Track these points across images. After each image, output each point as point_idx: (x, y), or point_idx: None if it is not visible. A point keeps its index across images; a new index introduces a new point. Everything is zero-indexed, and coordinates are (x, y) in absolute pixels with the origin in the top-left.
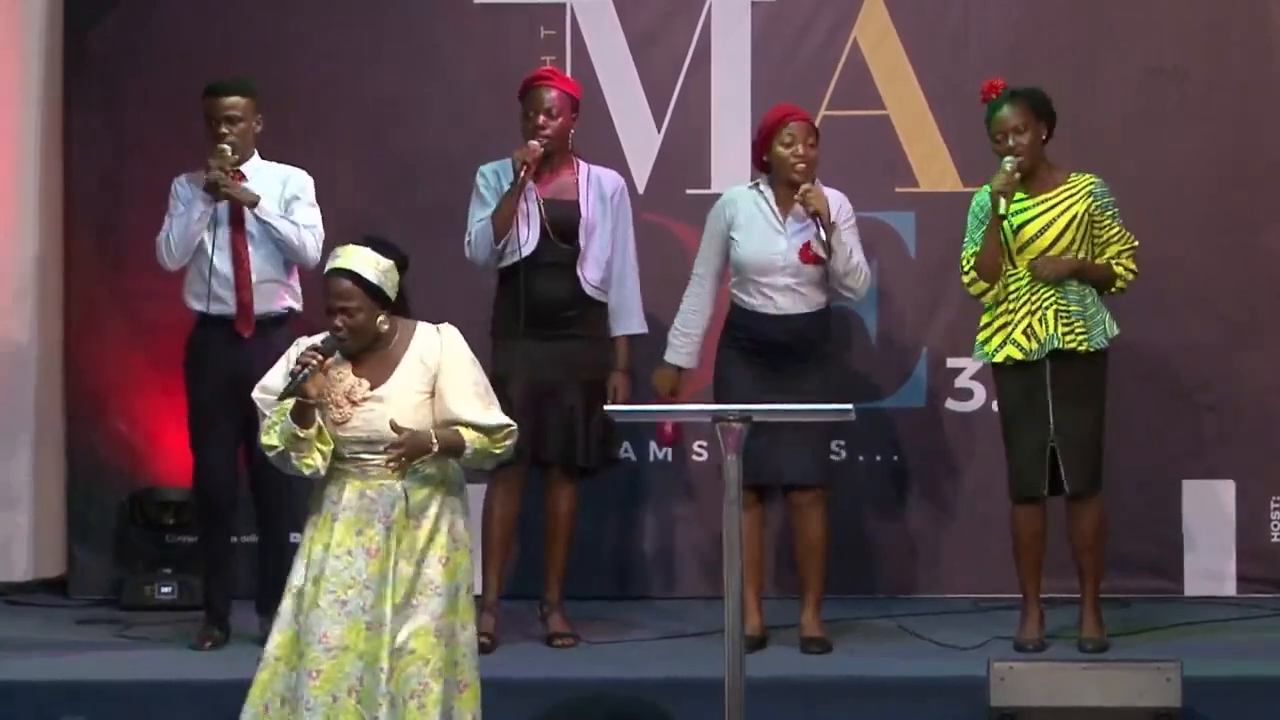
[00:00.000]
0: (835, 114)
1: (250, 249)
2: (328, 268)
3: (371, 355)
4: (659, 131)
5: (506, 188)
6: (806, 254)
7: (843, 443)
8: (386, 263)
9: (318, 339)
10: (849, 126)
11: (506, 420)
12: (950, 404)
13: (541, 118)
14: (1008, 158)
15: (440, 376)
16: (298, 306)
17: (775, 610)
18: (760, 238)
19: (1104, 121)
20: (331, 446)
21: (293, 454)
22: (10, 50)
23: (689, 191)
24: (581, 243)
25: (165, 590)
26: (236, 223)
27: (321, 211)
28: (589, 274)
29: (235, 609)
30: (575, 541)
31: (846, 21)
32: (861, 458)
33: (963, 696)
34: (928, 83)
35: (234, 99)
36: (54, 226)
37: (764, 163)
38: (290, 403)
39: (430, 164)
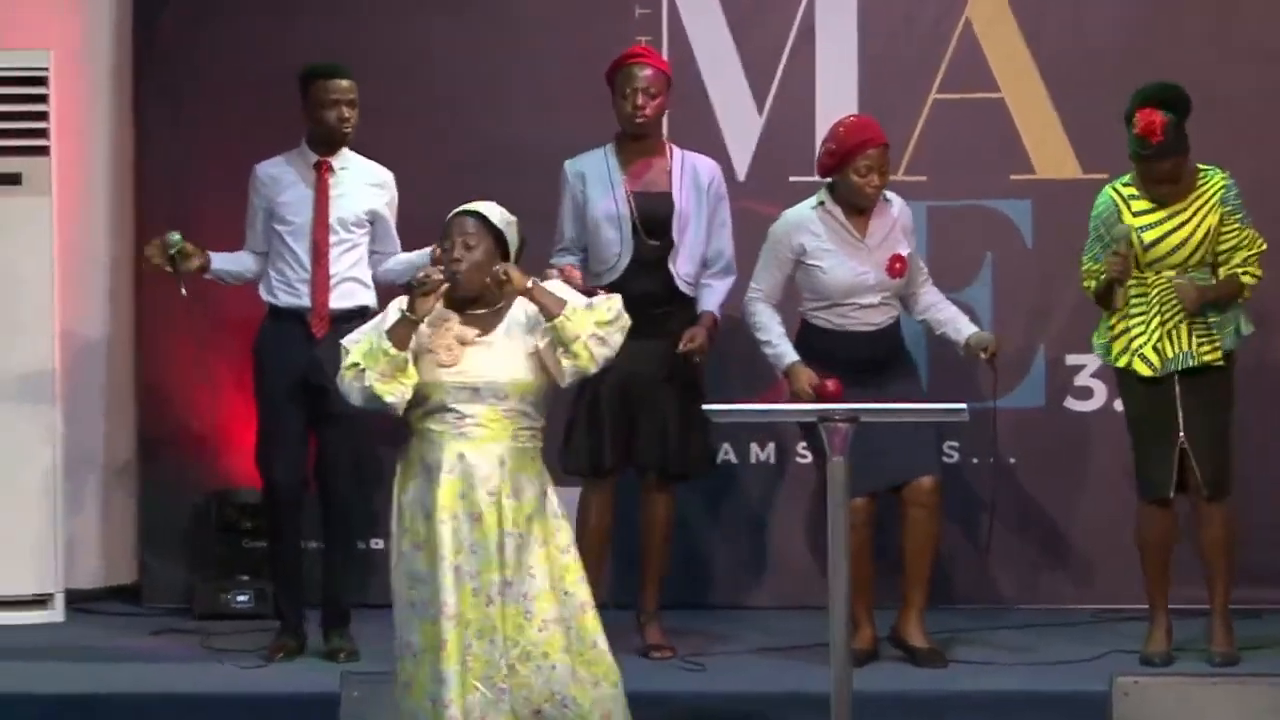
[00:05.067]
0: (947, 98)
1: (331, 246)
2: (451, 214)
3: (481, 311)
4: (760, 115)
5: (583, 187)
6: (894, 268)
7: (956, 444)
8: (511, 217)
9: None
10: (961, 111)
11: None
12: (1070, 403)
13: (641, 97)
14: (1117, 232)
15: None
16: (372, 304)
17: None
18: (845, 261)
19: (1230, 107)
20: (413, 382)
21: (372, 375)
22: (79, 44)
23: (793, 179)
24: (675, 237)
25: (241, 598)
26: (320, 218)
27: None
28: (681, 268)
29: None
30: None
31: (959, 0)
32: (976, 460)
33: (1084, 713)
34: (1045, 64)
35: (350, 82)
36: (125, 220)
37: (829, 168)
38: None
39: (512, 153)
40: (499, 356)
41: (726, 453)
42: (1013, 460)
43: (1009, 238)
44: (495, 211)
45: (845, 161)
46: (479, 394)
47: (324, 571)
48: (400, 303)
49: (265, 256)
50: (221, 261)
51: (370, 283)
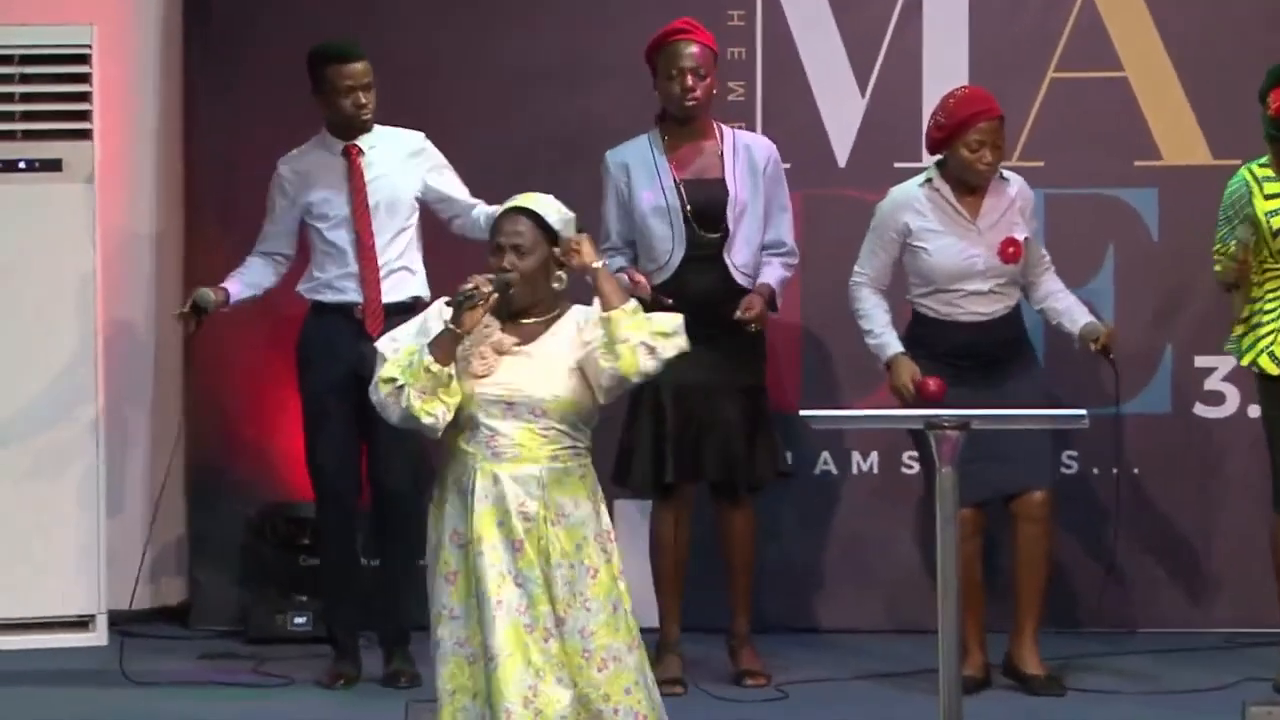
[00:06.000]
0: (1065, 76)
1: (376, 235)
2: (504, 207)
3: (528, 320)
4: (863, 97)
5: (628, 179)
6: (1008, 253)
7: (1075, 454)
8: (570, 213)
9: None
10: (1081, 91)
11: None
12: (1200, 409)
13: (690, 79)
14: (1239, 233)
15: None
16: (424, 294)
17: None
18: (953, 244)
19: None
20: (457, 400)
21: (412, 392)
22: (124, 18)
23: (897, 165)
24: (730, 226)
25: (299, 620)
26: (360, 208)
27: None
28: (738, 258)
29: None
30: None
31: None
32: (1097, 470)
33: None
34: (1172, 39)
35: (365, 64)
36: (173, 210)
37: (938, 143)
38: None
39: (589, 138)
40: (539, 369)
41: (826, 462)
42: (1136, 471)
43: (1133, 229)
44: (552, 209)
45: (955, 136)
46: (513, 409)
47: (382, 586)
48: (443, 310)
49: (286, 260)
50: (240, 289)
51: (419, 269)
